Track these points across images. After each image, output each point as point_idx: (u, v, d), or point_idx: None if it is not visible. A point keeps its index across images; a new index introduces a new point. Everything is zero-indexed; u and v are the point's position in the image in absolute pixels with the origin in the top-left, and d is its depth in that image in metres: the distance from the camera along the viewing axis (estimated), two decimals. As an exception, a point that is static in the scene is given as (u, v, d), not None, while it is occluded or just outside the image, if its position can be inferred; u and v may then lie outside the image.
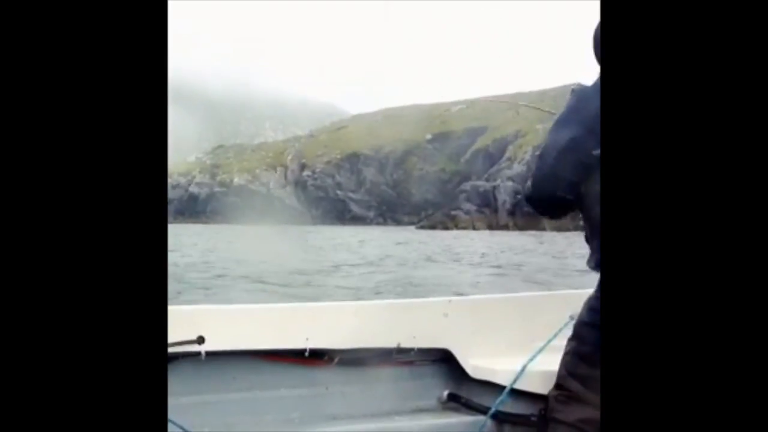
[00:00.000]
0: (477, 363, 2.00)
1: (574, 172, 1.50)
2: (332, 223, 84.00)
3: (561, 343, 1.73)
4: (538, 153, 1.59)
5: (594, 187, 1.43)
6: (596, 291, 1.57)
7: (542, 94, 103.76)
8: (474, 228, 69.22)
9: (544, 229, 61.84)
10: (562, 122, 1.55)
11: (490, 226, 69.82)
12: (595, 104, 1.31)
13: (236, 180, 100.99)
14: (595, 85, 1.52)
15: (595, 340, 1.51)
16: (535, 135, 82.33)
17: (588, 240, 1.60)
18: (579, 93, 1.56)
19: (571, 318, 1.71)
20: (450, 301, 2.12)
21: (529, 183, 1.63)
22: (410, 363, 2.03)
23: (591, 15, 1.43)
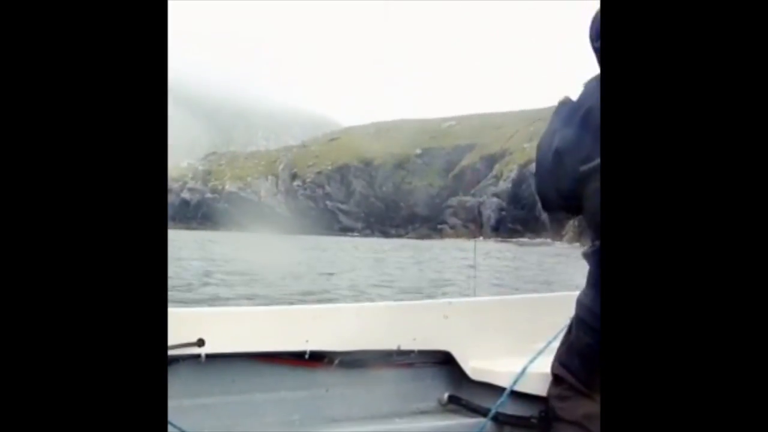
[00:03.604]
0: (477, 365, 2.01)
1: (564, 181, 1.51)
2: (320, 233, 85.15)
3: None
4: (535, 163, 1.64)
5: (592, 185, 1.43)
6: (586, 286, 1.59)
7: (538, 113, 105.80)
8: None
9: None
10: (548, 134, 1.57)
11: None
12: (579, 118, 1.41)
13: (228, 187, 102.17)
14: (580, 98, 1.53)
15: (584, 332, 1.56)
16: (521, 153, 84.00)
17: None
18: (563, 106, 1.55)
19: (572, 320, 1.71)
20: (450, 303, 2.12)
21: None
22: (410, 365, 2.04)
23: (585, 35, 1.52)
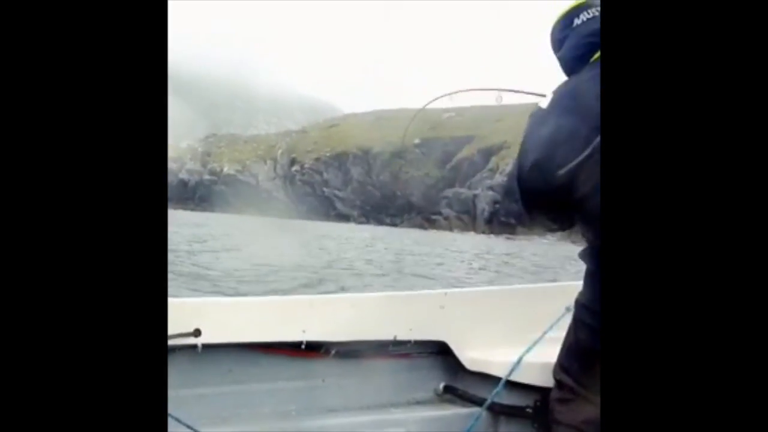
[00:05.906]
0: (473, 355, 2.01)
1: (548, 192, 1.50)
2: (317, 219, 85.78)
3: (557, 334, 1.73)
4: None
5: (579, 190, 1.42)
6: (583, 286, 1.57)
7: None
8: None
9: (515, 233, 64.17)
10: (523, 151, 1.56)
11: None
12: (550, 127, 1.45)
13: (226, 169, 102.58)
14: (549, 106, 1.52)
15: (583, 333, 1.54)
16: (518, 147, 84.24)
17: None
18: (535, 116, 1.56)
19: (567, 309, 1.69)
20: (446, 293, 2.11)
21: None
22: (406, 355, 2.04)
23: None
